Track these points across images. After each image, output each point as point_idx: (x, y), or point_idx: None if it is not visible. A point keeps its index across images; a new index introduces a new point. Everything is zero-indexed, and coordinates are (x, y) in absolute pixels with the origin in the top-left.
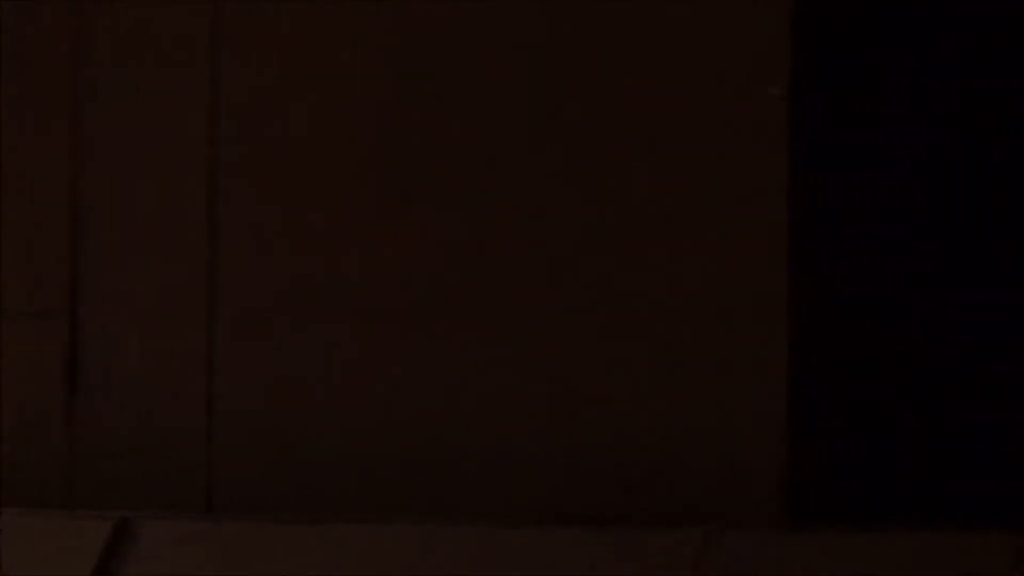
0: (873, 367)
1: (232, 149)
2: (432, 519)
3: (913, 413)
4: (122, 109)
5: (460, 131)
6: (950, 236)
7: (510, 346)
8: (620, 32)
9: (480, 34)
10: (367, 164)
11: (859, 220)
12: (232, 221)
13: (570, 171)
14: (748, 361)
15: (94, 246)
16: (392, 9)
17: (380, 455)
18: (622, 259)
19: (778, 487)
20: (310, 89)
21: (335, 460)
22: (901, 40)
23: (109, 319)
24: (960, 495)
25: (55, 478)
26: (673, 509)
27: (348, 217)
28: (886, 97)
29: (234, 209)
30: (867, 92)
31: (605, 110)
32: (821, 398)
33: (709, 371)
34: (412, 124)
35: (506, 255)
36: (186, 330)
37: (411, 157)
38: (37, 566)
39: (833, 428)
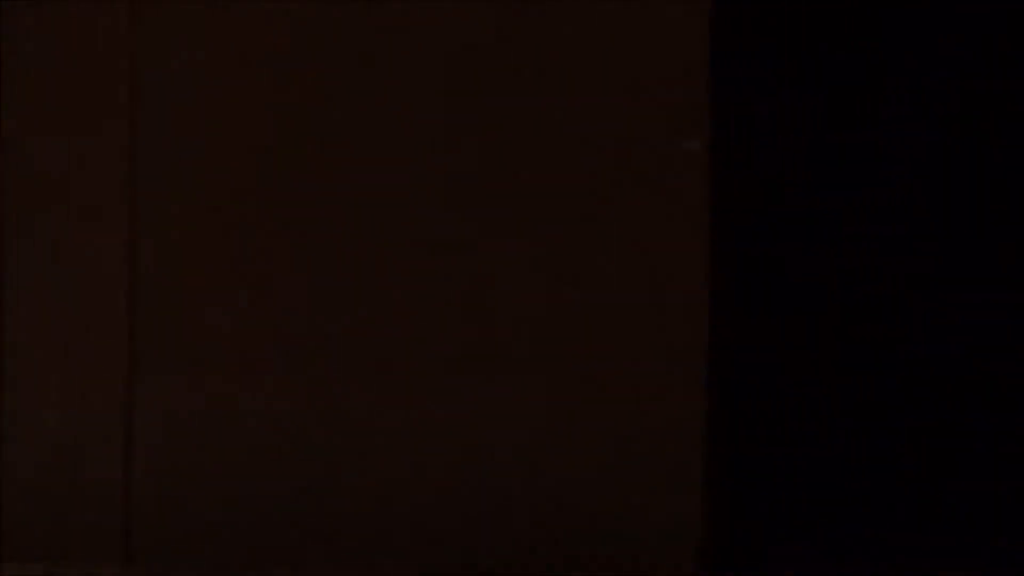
0: (790, 423)
1: (153, 190)
2: (351, 570)
3: (829, 470)
4: (38, 155)
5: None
6: (868, 285)
7: (426, 398)
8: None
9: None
10: (294, 198)
11: (778, 270)
12: (153, 262)
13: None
14: (665, 414)
15: (13, 297)
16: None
17: (303, 505)
18: (545, 310)
19: (694, 539)
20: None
21: (256, 510)
22: (813, 50)
23: (29, 369)
24: (876, 552)
25: None
26: (591, 562)
27: (280, 258)
28: (808, 111)
29: (155, 252)
30: (787, 106)
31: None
32: (739, 452)
33: (625, 423)
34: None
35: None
36: (106, 379)
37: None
38: None
39: (751, 481)
